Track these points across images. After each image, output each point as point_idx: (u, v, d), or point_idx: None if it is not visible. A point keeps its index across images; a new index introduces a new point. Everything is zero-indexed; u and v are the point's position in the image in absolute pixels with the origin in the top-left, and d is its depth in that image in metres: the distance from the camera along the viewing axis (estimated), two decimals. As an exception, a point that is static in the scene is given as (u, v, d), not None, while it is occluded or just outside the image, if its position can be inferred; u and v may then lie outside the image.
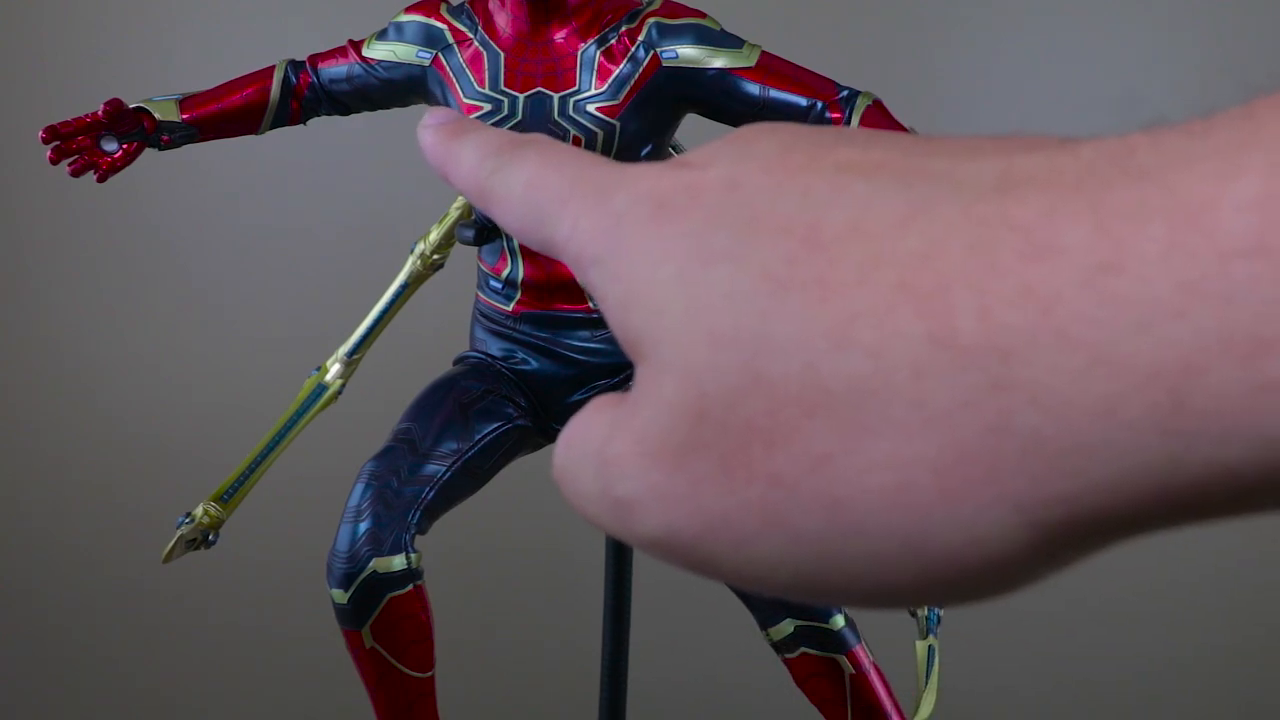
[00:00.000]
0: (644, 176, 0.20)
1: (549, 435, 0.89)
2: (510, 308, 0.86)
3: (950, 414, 0.15)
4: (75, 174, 0.83)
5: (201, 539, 0.92)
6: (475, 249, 0.88)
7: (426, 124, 0.26)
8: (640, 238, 0.19)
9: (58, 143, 0.82)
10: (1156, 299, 0.14)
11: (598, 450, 0.19)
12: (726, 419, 0.17)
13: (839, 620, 0.81)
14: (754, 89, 0.78)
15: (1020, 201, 0.16)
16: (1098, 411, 0.14)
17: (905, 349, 0.15)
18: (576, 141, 0.79)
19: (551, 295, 0.85)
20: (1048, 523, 0.15)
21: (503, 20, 0.81)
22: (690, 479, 0.17)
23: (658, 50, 0.79)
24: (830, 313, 0.16)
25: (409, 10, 0.84)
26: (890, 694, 0.82)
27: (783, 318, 0.16)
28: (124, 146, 0.84)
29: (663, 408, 0.17)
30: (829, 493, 0.16)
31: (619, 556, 0.97)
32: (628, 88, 0.79)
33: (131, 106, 0.84)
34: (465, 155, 0.24)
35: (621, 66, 0.79)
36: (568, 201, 0.20)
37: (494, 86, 0.80)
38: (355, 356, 0.96)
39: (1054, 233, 0.15)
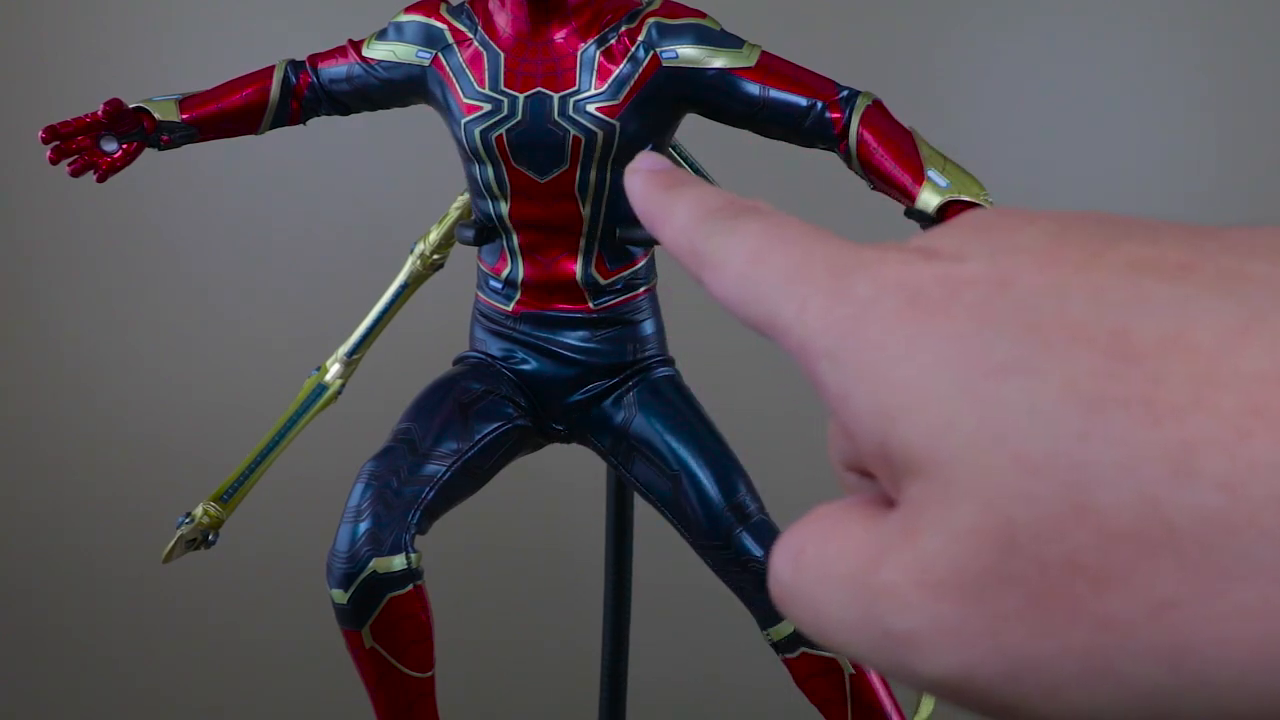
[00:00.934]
0: (886, 262, 0.18)
1: (549, 435, 0.89)
2: (510, 307, 0.86)
3: None
4: (75, 174, 0.83)
5: (201, 539, 0.92)
6: (475, 249, 0.88)
7: (637, 168, 0.24)
8: (894, 335, 0.17)
9: (57, 143, 0.82)
10: None
11: (857, 575, 0.17)
12: (1042, 553, 0.15)
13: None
14: (754, 89, 0.78)
15: None
16: None
17: (1269, 483, 0.14)
18: (576, 141, 0.79)
19: (551, 295, 0.85)
20: None
21: (503, 20, 0.81)
22: (992, 616, 0.15)
23: (658, 50, 0.79)
24: (1165, 438, 0.14)
25: (409, 10, 0.84)
26: (890, 694, 0.82)
27: (1107, 441, 0.15)
28: (124, 146, 0.84)
29: (957, 536, 0.15)
30: (1173, 642, 0.14)
31: (619, 557, 0.97)
32: (628, 88, 0.79)
33: (131, 106, 0.84)
34: (679, 211, 0.22)
35: (621, 66, 0.79)
36: (795, 281, 0.19)
37: (494, 86, 0.80)
38: (355, 356, 0.96)
39: None
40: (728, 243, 0.20)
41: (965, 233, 0.18)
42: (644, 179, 0.24)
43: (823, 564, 0.17)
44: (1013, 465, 0.15)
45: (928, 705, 0.88)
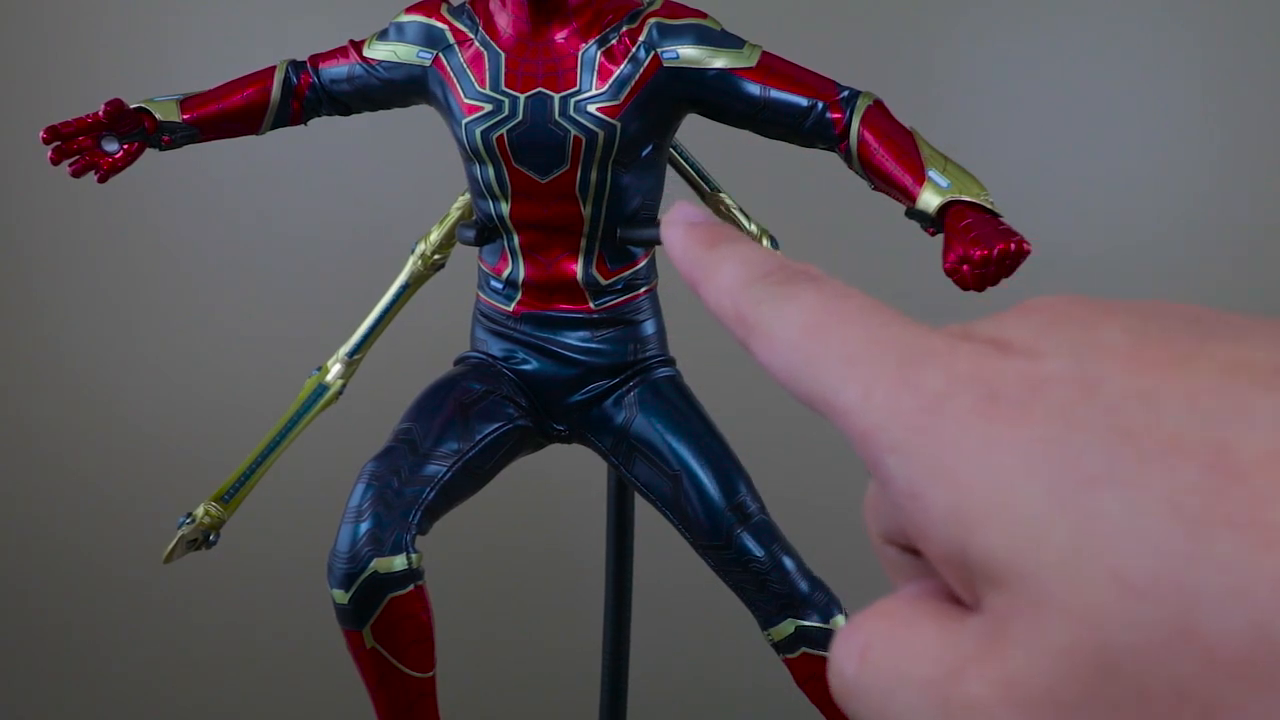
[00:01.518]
0: (959, 354, 0.17)
1: (549, 435, 0.89)
2: (511, 308, 0.86)
3: None
4: (76, 174, 0.83)
5: (202, 539, 0.92)
6: (476, 249, 0.88)
7: (674, 220, 0.23)
8: (972, 435, 0.16)
9: (59, 143, 0.82)
10: None
11: (936, 683, 0.16)
12: (1145, 680, 0.14)
13: (840, 620, 0.81)
14: (755, 89, 0.78)
15: None
16: None
17: None
18: (577, 142, 0.79)
19: (552, 295, 0.85)
20: None
21: (503, 20, 0.81)
22: None
23: (658, 50, 0.79)
24: (1275, 562, 0.14)
25: (410, 10, 0.84)
26: (891, 694, 0.82)
27: (1216, 565, 0.14)
28: (125, 147, 0.84)
29: (1051, 655, 0.15)
30: None
31: (620, 557, 0.97)
32: (629, 88, 0.79)
33: (132, 107, 0.84)
34: (724, 271, 0.21)
35: (622, 67, 0.79)
36: (858, 363, 0.18)
37: (494, 87, 0.80)
38: (356, 356, 0.96)
39: None
40: (781, 311, 0.19)
41: (1039, 325, 0.17)
42: (684, 234, 0.22)
43: (893, 665, 0.17)
44: (1112, 585, 0.14)
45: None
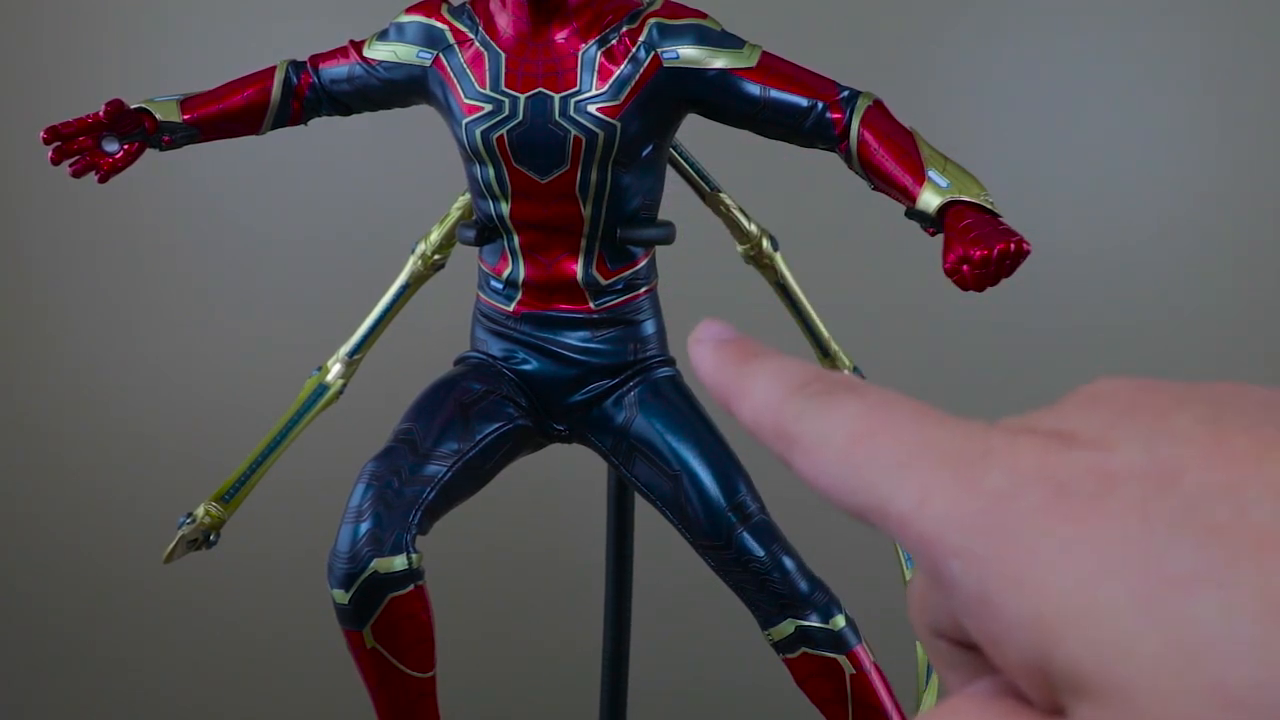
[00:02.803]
0: (1021, 450, 0.16)
1: (550, 435, 0.89)
2: (511, 308, 0.86)
3: None
4: (76, 174, 0.83)
5: (203, 539, 0.92)
6: (476, 249, 0.88)
7: (701, 338, 0.22)
8: (1046, 536, 0.15)
9: (59, 143, 0.82)
10: None
11: None
12: None
13: (840, 620, 0.81)
14: (754, 89, 0.78)
15: None
16: None
17: None
18: (577, 142, 0.79)
19: (552, 295, 0.85)
20: None
21: (504, 21, 0.81)
22: None
23: (658, 51, 0.79)
24: None
25: (410, 11, 0.84)
26: (891, 694, 0.82)
27: None
28: (125, 147, 0.84)
29: None
30: None
31: (620, 557, 0.97)
32: (629, 88, 0.79)
33: (133, 107, 0.84)
34: (760, 386, 0.20)
35: (622, 67, 0.79)
36: (911, 468, 0.17)
37: (495, 87, 0.80)
38: (356, 356, 0.96)
39: None
40: (824, 422, 0.19)
41: (1107, 415, 0.16)
42: (713, 351, 0.22)
43: None
44: (1211, 696, 0.13)
45: (928, 706, 0.88)
